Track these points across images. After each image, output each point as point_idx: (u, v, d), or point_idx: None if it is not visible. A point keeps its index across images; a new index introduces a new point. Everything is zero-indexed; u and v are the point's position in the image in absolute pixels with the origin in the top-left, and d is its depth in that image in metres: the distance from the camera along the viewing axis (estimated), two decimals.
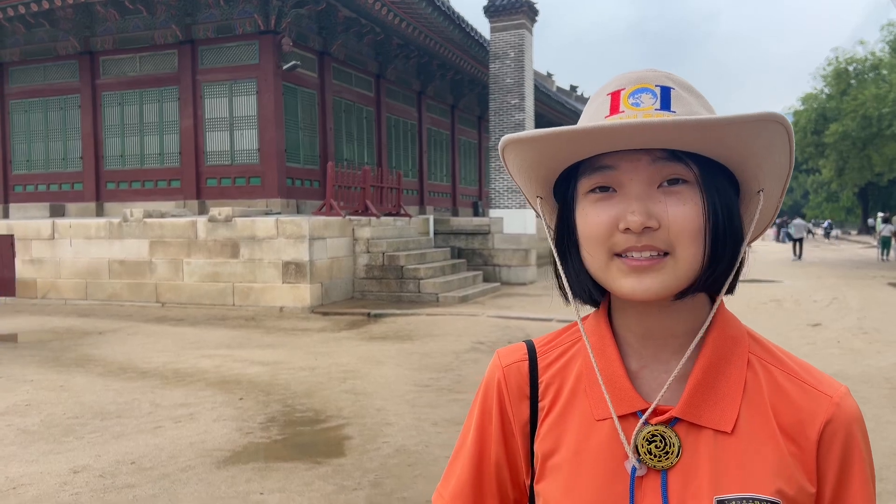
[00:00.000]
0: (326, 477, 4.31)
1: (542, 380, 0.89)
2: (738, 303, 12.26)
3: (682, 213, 0.76)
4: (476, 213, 24.58)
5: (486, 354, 8.09)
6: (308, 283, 11.72)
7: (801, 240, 26.39)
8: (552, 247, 0.89)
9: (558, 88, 34.58)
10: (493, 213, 16.45)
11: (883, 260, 24.94)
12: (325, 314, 11.49)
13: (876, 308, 11.94)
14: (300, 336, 9.52)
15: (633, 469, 0.78)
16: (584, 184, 0.81)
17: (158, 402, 6.09)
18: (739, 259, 0.82)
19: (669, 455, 0.78)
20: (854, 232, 59.09)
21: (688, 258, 0.77)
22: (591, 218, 0.80)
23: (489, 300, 13.10)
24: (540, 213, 0.91)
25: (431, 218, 16.46)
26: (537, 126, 21.31)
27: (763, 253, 29.15)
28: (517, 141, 0.80)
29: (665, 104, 0.78)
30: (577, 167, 0.83)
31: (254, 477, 4.31)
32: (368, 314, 11.38)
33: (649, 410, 0.80)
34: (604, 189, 0.80)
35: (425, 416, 5.61)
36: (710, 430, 0.79)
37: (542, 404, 0.88)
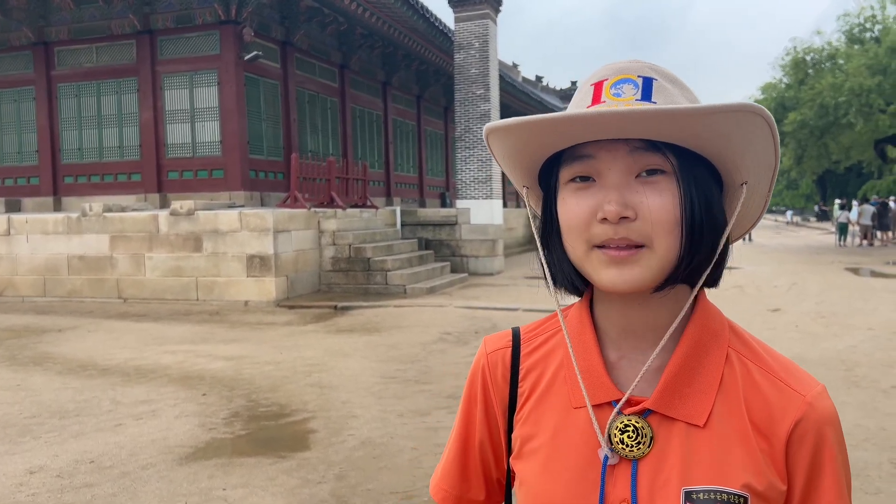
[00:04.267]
0: (291, 471, 4.28)
1: (524, 366, 0.91)
2: None
3: (659, 204, 0.76)
4: (443, 204, 24.56)
5: (453, 345, 8.10)
6: (273, 276, 11.60)
7: None
8: (536, 236, 0.90)
9: (524, 79, 34.66)
10: (461, 203, 16.44)
11: (840, 246, 25.59)
12: (290, 307, 11.39)
13: (833, 292, 12.25)
14: (265, 330, 9.43)
15: (605, 458, 0.80)
16: (565, 173, 0.81)
17: (119, 399, 5.98)
18: (719, 251, 0.81)
19: (641, 445, 0.79)
20: (813, 219, 60.51)
21: (665, 249, 0.77)
22: (571, 207, 0.80)
23: (457, 291, 13.13)
24: (526, 201, 0.92)
25: (398, 209, 16.39)
26: (503, 117, 21.33)
27: None
28: (497, 129, 0.80)
29: (646, 95, 0.78)
30: (560, 156, 0.83)
31: (216, 473, 4.26)
32: (335, 307, 11.32)
33: (623, 400, 0.81)
34: (584, 178, 0.80)
35: (391, 407, 5.60)
36: (683, 423, 0.79)
37: (522, 389, 0.90)
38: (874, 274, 15.79)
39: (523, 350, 0.93)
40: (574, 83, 31.36)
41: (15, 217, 13.27)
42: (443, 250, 15.95)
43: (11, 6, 15.04)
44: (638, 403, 0.81)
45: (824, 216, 53.39)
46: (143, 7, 14.54)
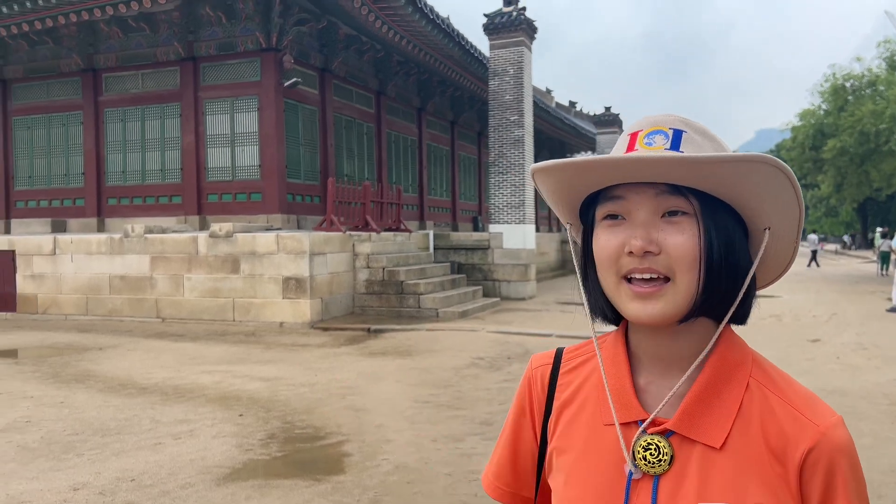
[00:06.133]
0: (326, 494, 4.32)
1: (560, 382, 1.02)
2: None
3: (680, 242, 0.85)
4: (476, 228, 24.62)
5: (485, 371, 8.10)
6: (308, 298, 11.75)
7: (815, 251, 30.87)
8: (576, 268, 0.99)
9: (557, 104, 34.74)
10: (493, 228, 16.48)
11: (882, 275, 24.95)
12: (325, 329, 11.50)
13: (875, 323, 11.95)
14: (300, 352, 9.53)
15: (630, 473, 0.88)
16: (600, 211, 0.91)
17: (158, 418, 6.10)
18: (741, 291, 0.88)
19: (662, 463, 0.86)
20: (853, 247, 59.10)
21: (685, 284, 0.85)
22: (602, 242, 0.89)
23: (489, 315, 13.12)
24: (570, 236, 1.02)
25: (431, 233, 16.50)
26: (536, 142, 21.40)
27: None
28: (540, 170, 0.91)
29: (675, 145, 0.87)
30: (598, 196, 0.92)
31: (253, 494, 4.32)
32: (368, 329, 11.40)
33: (647, 421, 0.89)
34: (615, 216, 0.89)
35: (425, 432, 5.62)
36: (702, 445, 0.86)
37: (556, 404, 1.01)
38: None
39: (562, 369, 1.03)
40: (608, 109, 31.28)
41: (60, 237, 13.68)
42: (475, 274, 15.99)
43: (62, 34, 15.63)
44: (660, 424, 0.89)
45: (865, 244, 52.13)
46: (188, 35, 14.99)
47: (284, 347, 9.91)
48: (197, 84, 15.11)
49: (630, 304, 0.86)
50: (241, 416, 6.16)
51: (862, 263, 34.28)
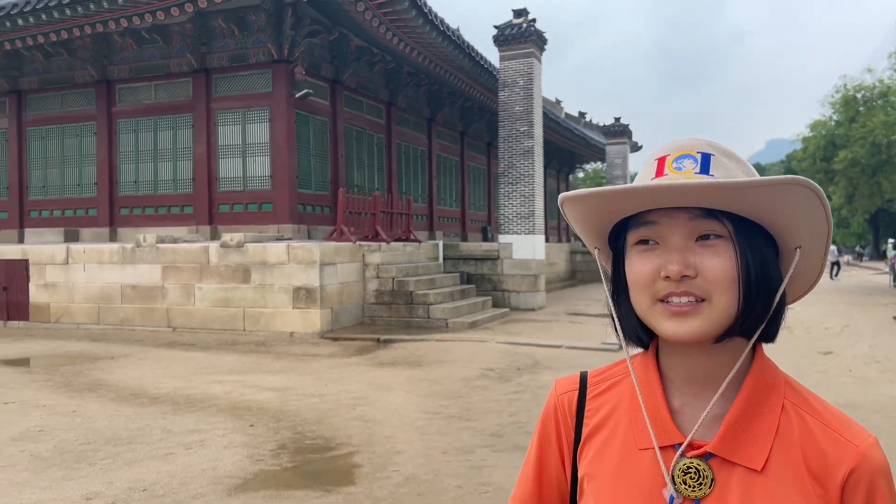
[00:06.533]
0: None
1: (589, 408, 1.01)
2: None
3: (717, 265, 0.86)
4: (485, 239, 24.63)
5: (495, 382, 8.09)
6: (318, 308, 11.78)
7: (836, 263, 29.69)
8: (606, 293, 0.99)
9: (567, 115, 34.76)
10: (503, 238, 16.49)
11: (894, 286, 24.76)
12: (334, 339, 11.53)
13: (888, 336, 11.86)
14: (310, 362, 9.56)
15: (671, 497, 0.87)
16: (632, 236, 0.91)
17: (170, 428, 6.13)
18: (772, 309, 0.89)
19: (703, 486, 0.86)
20: (866, 258, 58.68)
21: (723, 304, 0.85)
22: (637, 267, 0.90)
23: (498, 326, 13.11)
24: (598, 261, 1.02)
25: (441, 243, 16.53)
26: (546, 153, 21.44)
27: None
28: (571, 198, 0.92)
29: (705, 169, 0.87)
30: (628, 221, 0.92)
31: None
32: (378, 340, 11.41)
33: (685, 444, 0.88)
34: (648, 241, 0.90)
35: (434, 444, 5.61)
36: (742, 467, 0.86)
37: (586, 431, 0.99)
38: None
39: (589, 393, 1.02)
40: (617, 119, 31.29)
41: (73, 247, 13.79)
42: (484, 284, 15.99)
43: (77, 46, 15.82)
44: (699, 447, 0.88)
45: (877, 255, 51.77)
46: (200, 47, 15.14)
47: (294, 357, 9.93)
48: (209, 95, 15.25)
49: (666, 323, 0.87)
50: (251, 426, 6.18)
51: (874, 275, 34.02)
